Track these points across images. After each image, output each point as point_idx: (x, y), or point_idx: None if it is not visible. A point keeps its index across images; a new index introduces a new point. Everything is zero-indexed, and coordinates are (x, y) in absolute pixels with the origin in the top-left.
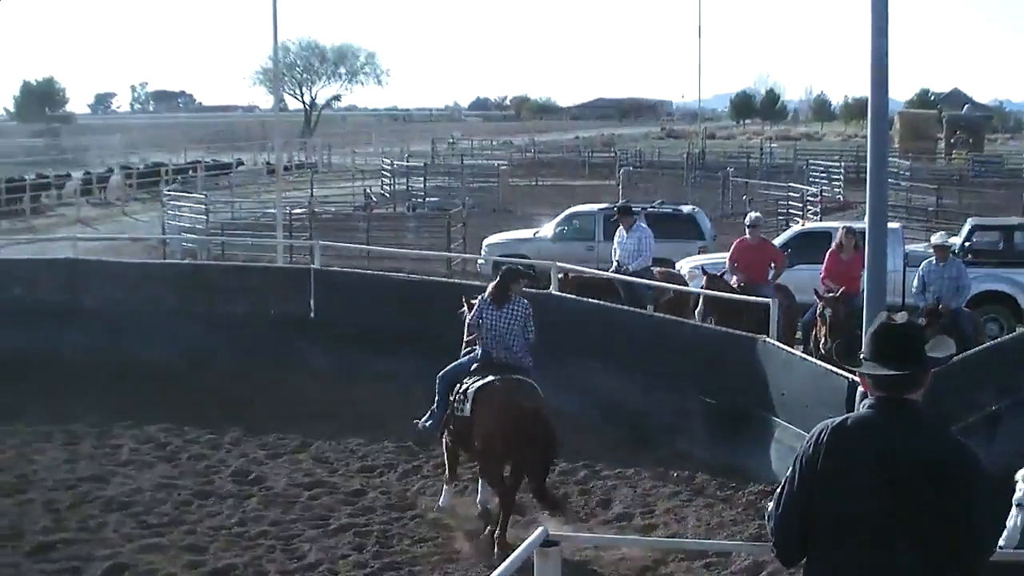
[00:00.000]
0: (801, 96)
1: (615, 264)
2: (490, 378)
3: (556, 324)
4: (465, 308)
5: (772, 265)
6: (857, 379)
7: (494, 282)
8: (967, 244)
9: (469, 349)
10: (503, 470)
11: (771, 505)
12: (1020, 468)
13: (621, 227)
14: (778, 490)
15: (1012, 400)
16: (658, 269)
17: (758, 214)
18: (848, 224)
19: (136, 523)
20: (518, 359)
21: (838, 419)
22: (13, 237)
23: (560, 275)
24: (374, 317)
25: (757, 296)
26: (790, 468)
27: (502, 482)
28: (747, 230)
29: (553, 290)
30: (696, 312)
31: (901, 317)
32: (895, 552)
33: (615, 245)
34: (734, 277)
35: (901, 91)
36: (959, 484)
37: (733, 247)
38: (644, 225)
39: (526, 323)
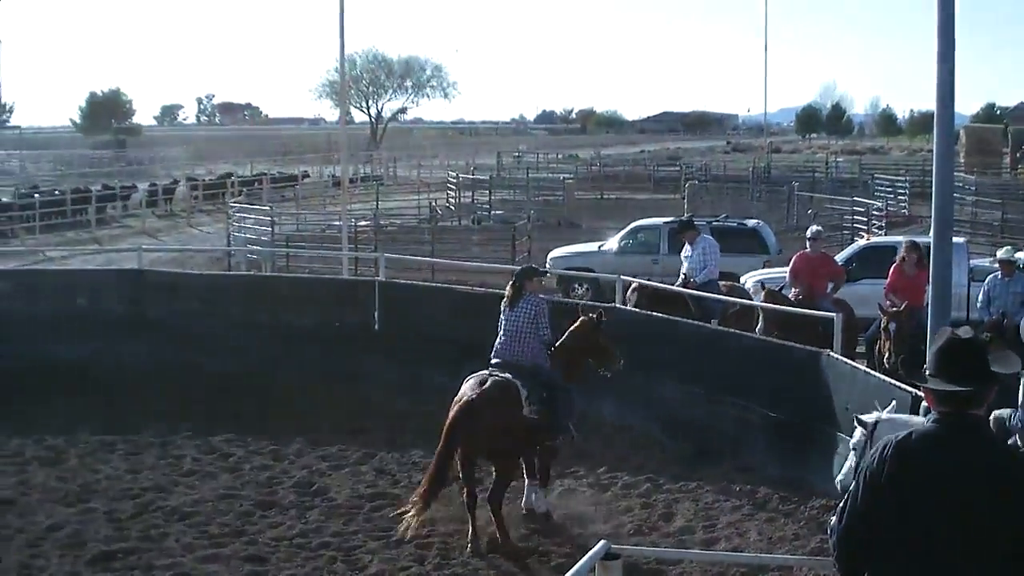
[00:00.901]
0: (866, 110)
1: (682, 277)
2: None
3: (619, 337)
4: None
5: (831, 279)
6: (921, 393)
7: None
8: None
9: None
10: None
11: (834, 519)
12: None
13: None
14: (841, 504)
15: None
16: (724, 283)
17: (819, 227)
18: (912, 239)
19: (198, 533)
20: (523, 357)
21: (903, 433)
22: (78, 248)
23: (635, 289)
24: (438, 329)
25: (815, 309)
26: (854, 482)
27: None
28: (808, 243)
29: (618, 303)
30: (757, 328)
31: (966, 332)
32: (958, 567)
33: (682, 258)
34: (793, 290)
35: (967, 105)
36: (1022, 498)
37: (793, 260)
38: (708, 236)
39: (536, 320)
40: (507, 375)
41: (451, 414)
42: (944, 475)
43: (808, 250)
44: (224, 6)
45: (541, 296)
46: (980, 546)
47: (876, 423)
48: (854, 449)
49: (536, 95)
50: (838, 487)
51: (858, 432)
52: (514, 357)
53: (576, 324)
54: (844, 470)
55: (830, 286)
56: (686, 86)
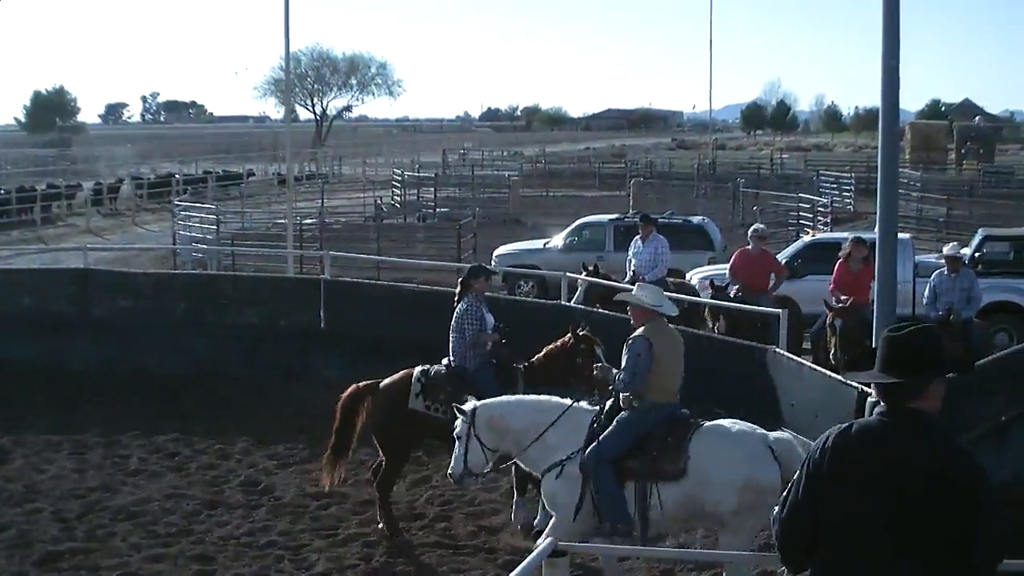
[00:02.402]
0: (811, 106)
1: (630, 274)
2: None
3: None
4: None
5: (772, 275)
6: (868, 389)
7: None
8: (977, 255)
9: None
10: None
11: (777, 510)
12: None
13: (637, 237)
14: (784, 495)
15: (1021, 411)
16: (673, 280)
17: (762, 225)
18: (857, 235)
19: (145, 533)
20: (451, 356)
21: (844, 426)
22: (23, 247)
23: (583, 286)
24: (384, 328)
25: (755, 306)
26: (796, 474)
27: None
28: (750, 240)
29: (563, 300)
30: (716, 328)
31: (909, 328)
32: (899, 559)
33: (630, 255)
34: (734, 287)
35: (912, 102)
36: (964, 495)
37: (734, 256)
38: (660, 235)
39: (460, 319)
40: (427, 369)
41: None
42: (882, 468)
43: (749, 247)
44: (169, 4)
45: (474, 296)
46: (921, 540)
47: (475, 410)
48: (458, 438)
49: (481, 92)
50: (450, 478)
51: (459, 422)
52: (447, 356)
53: (559, 342)
54: (453, 459)
55: (771, 283)
56: (631, 83)
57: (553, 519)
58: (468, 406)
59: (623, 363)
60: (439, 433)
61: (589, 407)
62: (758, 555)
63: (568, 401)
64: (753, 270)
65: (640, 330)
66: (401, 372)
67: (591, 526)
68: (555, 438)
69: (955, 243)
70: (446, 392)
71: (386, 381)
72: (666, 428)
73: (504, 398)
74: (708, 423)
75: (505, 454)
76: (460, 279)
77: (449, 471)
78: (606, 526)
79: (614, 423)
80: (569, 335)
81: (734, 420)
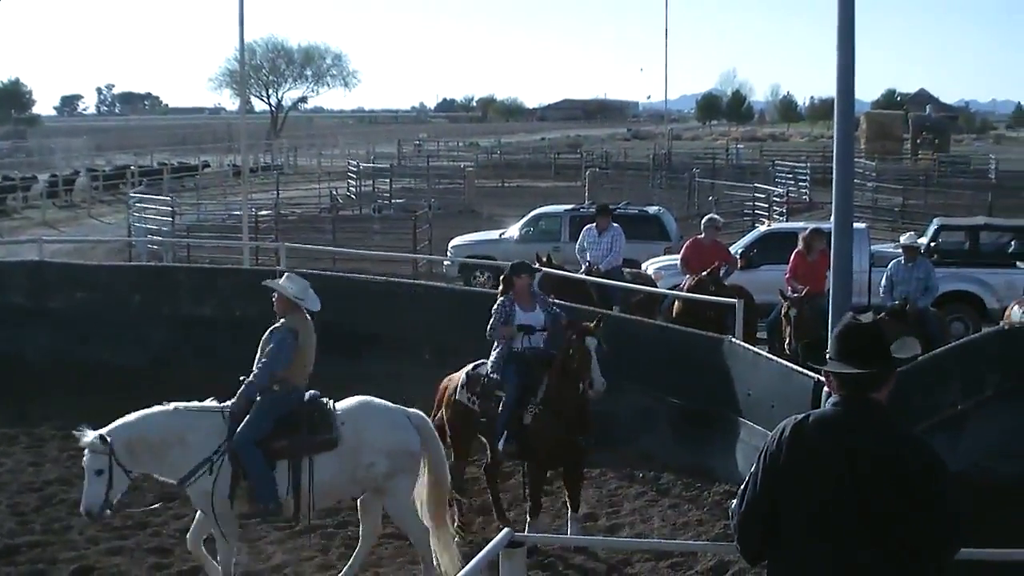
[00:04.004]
0: (767, 96)
1: (586, 264)
2: None
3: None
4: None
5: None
6: (823, 379)
7: None
8: (932, 244)
9: None
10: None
11: (735, 501)
12: (984, 465)
13: (591, 227)
14: (742, 487)
15: (977, 400)
16: (629, 270)
17: (716, 216)
18: (816, 225)
19: (102, 526)
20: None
21: (801, 416)
22: None
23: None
24: (339, 319)
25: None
26: (754, 464)
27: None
28: (704, 230)
29: None
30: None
31: (867, 317)
32: (857, 549)
33: (584, 245)
34: (685, 277)
35: (867, 92)
36: (921, 484)
37: (685, 246)
38: (616, 225)
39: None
40: (479, 363)
41: None
42: (839, 458)
43: (701, 237)
44: None
45: (505, 297)
46: (879, 529)
47: (108, 440)
48: (99, 472)
49: (436, 83)
50: (86, 516)
51: (93, 456)
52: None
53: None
54: (90, 495)
55: (722, 272)
56: (587, 74)
57: (216, 514)
58: (94, 437)
59: (267, 351)
60: (478, 426)
61: (219, 404)
62: (715, 545)
63: (197, 403)
64: (704, 260)
65: (285, 320)
66: (468, 366)
67: (247, 511)
68: (196, 438)
69: (912, 233)
70: (481, 385)
71: (453, 374)
72: (308, 406)
73: (128, 417)
74: (343, 400)
75: (145, 472)
76: (502, 276)
77: (84, 508)
78: (259, 508)
79: (254, 407)
80: (567, 343)
81: (367, 397)
